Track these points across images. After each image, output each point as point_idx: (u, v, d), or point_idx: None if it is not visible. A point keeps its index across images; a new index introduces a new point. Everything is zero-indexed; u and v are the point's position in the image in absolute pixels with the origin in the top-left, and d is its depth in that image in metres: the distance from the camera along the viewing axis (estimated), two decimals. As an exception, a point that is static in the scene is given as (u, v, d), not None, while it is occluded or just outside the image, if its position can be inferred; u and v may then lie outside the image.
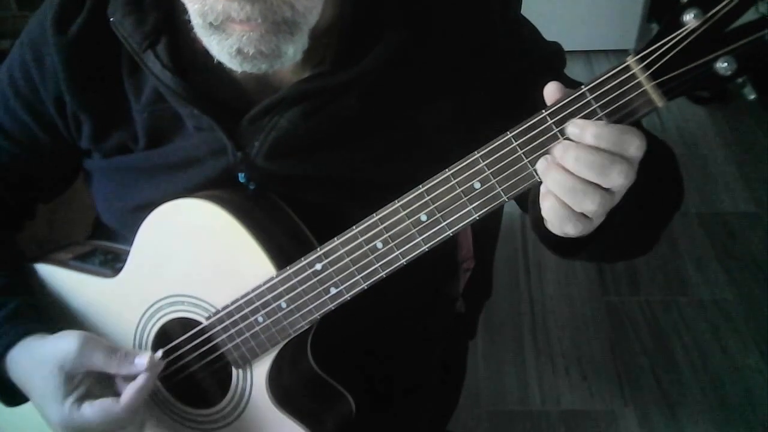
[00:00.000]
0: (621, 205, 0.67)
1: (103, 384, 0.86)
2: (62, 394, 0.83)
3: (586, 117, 0.64)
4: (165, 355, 0.90)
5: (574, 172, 0.64)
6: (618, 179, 0.63)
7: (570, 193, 0.64)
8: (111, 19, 0.83)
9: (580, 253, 0.77)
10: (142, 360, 0.84)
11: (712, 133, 2.70)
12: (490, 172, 0.69)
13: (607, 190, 0.64)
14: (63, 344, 0.84)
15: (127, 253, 0.89)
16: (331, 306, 0.80)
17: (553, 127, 0.65)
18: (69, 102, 0.89)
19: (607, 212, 0.68)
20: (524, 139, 0.67)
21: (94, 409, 0.82)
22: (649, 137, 0.65)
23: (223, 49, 0.73)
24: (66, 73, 0.87)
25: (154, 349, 0.90)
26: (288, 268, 0.80)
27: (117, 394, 0.84)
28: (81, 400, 0.83)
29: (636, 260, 2.19)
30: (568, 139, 0.65)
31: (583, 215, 0.65)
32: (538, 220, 0.71)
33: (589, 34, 3.02)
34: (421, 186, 0.72)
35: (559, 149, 0.65)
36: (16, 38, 0.93)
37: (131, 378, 0.84)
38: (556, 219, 0.66)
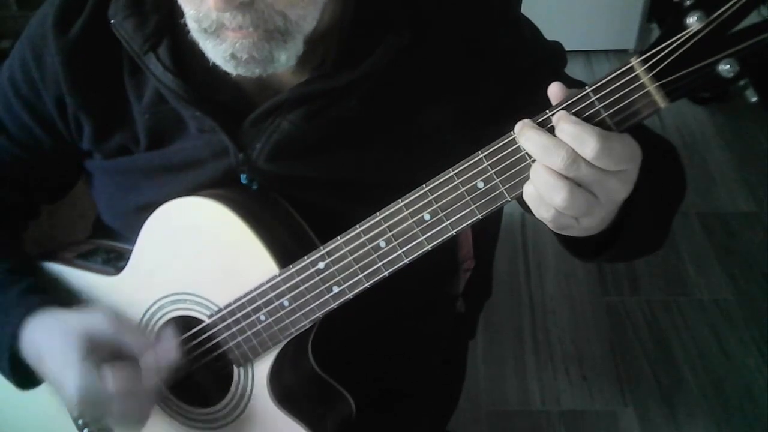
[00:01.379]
0: (633, 204, 0.68)
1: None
2: (83, 356, 0.81)
3: (590, 117, 0.64)
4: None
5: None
6: (570, 170, 0.62)
7: (543, 185, 0.65)
8: (112, 21, 0.83)
9: (600, 255, 0.77)
10: (170, 342, 0.84)
11: (712, 133, 2.71)
12: (494, 172, 0.69)
13: (581, 191, 0.64)
14: (95, 317, 0.84)
15: (130, 251, 0.90)
16: (334, 305, 0.81)
17: (556, 127, 0.66)
18: (70, 103, 0.89)
19: (599, 218, 0.68)
20: (528, 139, 0.67)
21: (114, 373, 0.80)
22: (649, 134, 0.66)
23: (217, 53, 0.74)
24: (67, 74, 0.87)
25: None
26: (291, 266, 0.81)
27: None
28: (101, 362, 0.81)
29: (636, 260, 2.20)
30: None
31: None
32: None
33: (589, 34, 3.02)
34: (424, 185, 0.72)
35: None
36: (16, 38, 0.93)
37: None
38: (531, 202, 0.67)
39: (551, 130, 0.66)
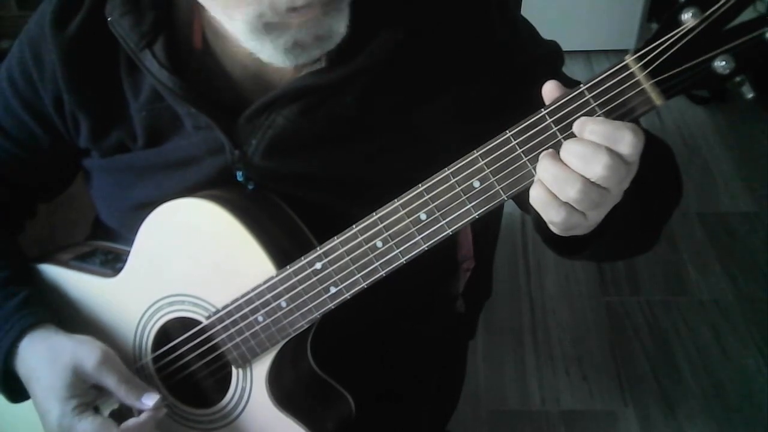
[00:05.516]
0: (621, 203, 0.68)
1: (106, 400, 0.87)
2: (68, 394, 0.83)
3: (585, 116, 0.64)
4: (164, 354, 0.91)
5: (561, 159, 0.64)
6: (601, 171, 0.62)
7: (554, 180, 0.65)
8: (108, 19, 0.83)
9: (582, 252, 0.77)
10: (149, 399, 0.84)
11: (712, 133, 2.70)
12: (489, 171, 0.69)
13: (594, 183, 0.64)
14: (84, 350, 0.84)
15: (128, 253, 0.90)
16: (331, 305, 0.81)
17: (552, 126, 0.66)
18: (67, 100, 0.89)
19: (606, 210, 0.68)
20: (523, 138, 0.67)
21: (94, 425, 0.82)
22: (647, 135, 0.65)
23: (277, 46, 0.74)
24: (64, 71, 0.87)
25: (154, 348, 0.91)
26: (288, 267, 0.80)
27: (118, 413, 0.85)
28: (84, 407, 0.83)
29: (636, 260, 2.20)
30: (570, 136, 0.65)
31: (569, 205, 0.65)
32: (539, 219, 0.71)
33: (589, 34, 3.02)
34: (420, 185, 0.72)
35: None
36: (16, 38, 0.93)
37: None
38: (540, 205, 0.67)
39: (546, 129, 0.66)
